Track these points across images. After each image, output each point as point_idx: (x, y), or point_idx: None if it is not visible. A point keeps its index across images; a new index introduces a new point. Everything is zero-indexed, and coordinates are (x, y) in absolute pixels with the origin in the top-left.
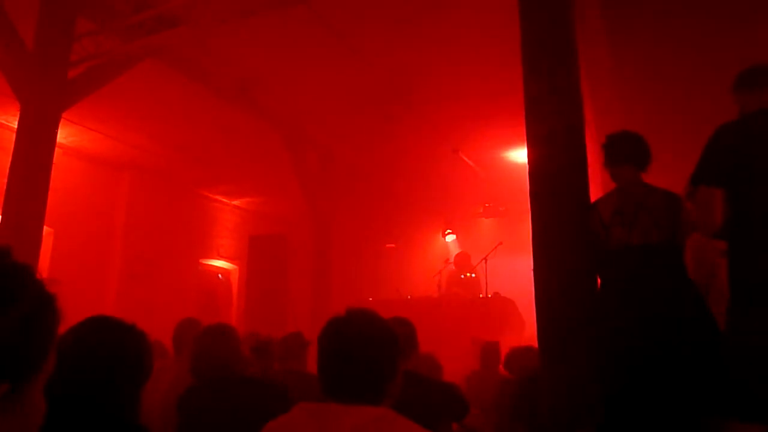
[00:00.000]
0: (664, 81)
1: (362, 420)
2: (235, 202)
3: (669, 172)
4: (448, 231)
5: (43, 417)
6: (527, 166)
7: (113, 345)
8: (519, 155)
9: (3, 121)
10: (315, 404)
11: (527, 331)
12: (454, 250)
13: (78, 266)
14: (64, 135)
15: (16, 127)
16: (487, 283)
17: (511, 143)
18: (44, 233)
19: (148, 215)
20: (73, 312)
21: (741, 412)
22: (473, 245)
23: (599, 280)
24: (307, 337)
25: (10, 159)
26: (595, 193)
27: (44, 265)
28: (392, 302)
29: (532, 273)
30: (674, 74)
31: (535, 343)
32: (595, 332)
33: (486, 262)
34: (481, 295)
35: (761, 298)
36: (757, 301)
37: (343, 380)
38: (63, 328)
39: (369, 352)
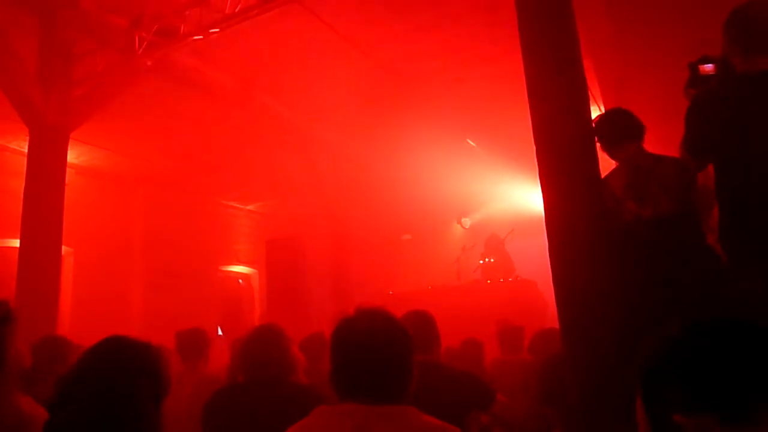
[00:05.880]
0: (668, 51)
1: (382, 419)
2: (249, 207)
3: (674, 143)
4: (464, 218)
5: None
6: (534, 146)
7: (131, 363)
8: (527, 138)
9: (15, 147)
10: (333, 407)
11: (550, 311)
12: (471, 237)
13: (101, 283)
14: (75, 155)
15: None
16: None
17: (519, 125)
18: (64, 253)
19: (165, 227)
20: (98, 328)
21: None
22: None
23: (615, 255)
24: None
25: (24, 183)
26: (605, 167)
27: (67, 285)
28: (413, 294)
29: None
30: (677, 43)
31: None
32: (614, 309)
33: (504, 246)
34: (501, 280)
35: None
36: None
37: (358, 381)
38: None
39: (380, 351)
